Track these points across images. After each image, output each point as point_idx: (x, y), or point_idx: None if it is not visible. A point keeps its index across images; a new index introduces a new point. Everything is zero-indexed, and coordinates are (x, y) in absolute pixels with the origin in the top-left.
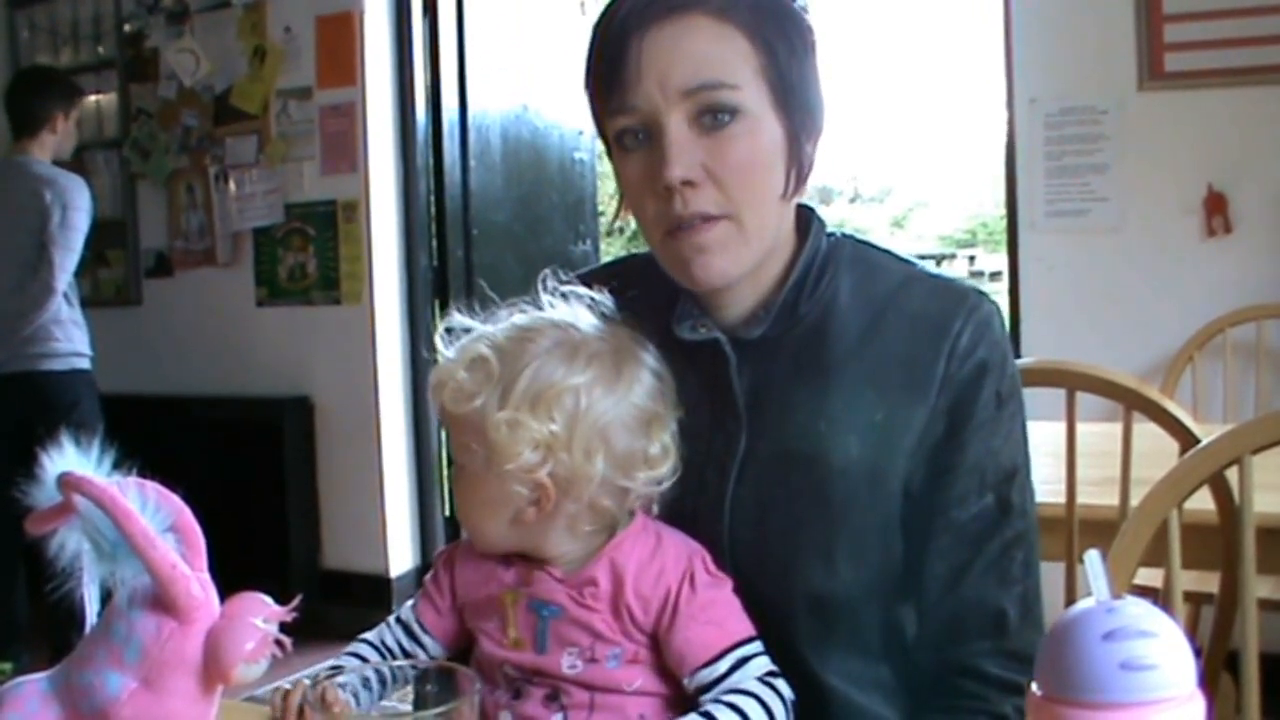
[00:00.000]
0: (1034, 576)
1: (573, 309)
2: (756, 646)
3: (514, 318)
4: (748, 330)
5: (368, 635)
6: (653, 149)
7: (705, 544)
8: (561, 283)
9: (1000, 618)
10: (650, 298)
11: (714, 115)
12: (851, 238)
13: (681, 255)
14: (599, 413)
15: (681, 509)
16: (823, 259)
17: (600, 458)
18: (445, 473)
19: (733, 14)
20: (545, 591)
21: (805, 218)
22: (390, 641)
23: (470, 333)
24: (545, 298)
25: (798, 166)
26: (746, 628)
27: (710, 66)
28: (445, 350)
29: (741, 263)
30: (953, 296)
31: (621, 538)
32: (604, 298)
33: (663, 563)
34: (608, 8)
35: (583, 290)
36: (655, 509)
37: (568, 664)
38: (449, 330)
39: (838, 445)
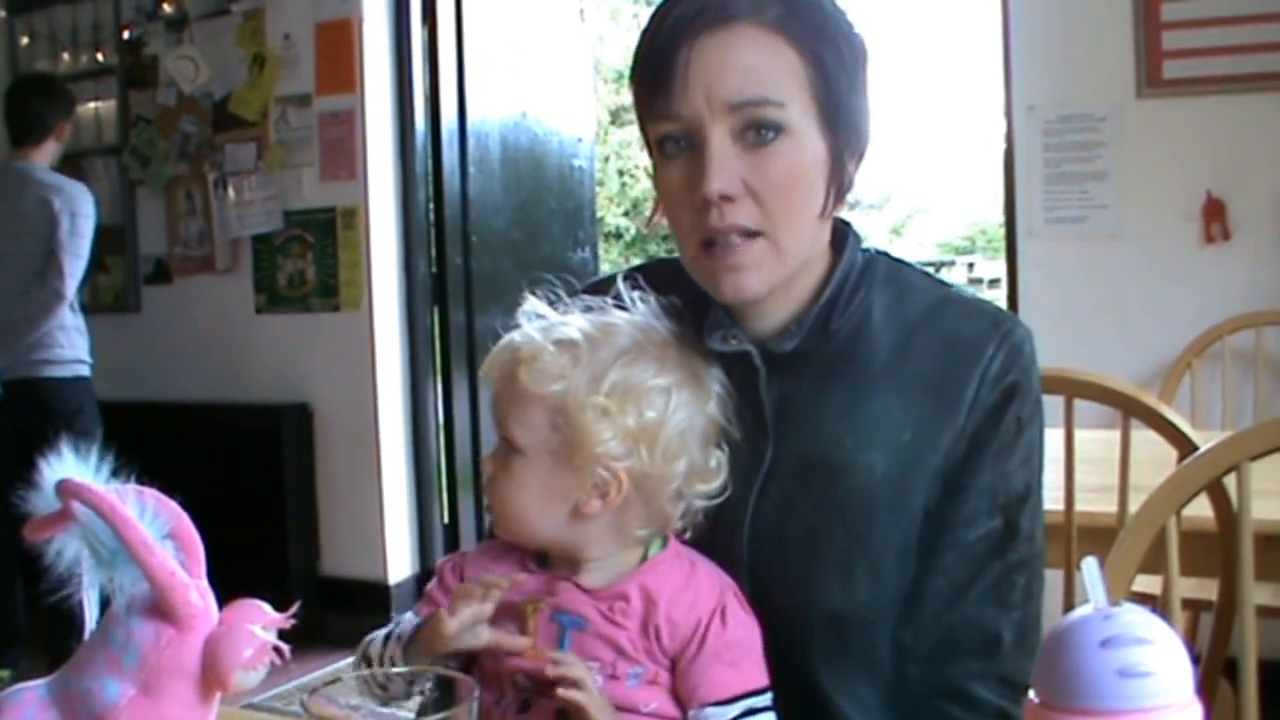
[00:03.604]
0: (1035, 604)
1: (652, 312)
2: (767, 700)
3: (593, 313)
4: (779, 343)
5: (372, 648)
6: (694, 158)
7: (724, 554)
8: (634, 286)
9: (994, 640)
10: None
11: (758, 131)
12: (886, 255)
13: (714, 272)
14: (683, 417)
15: (702, 519)
16: (857, 275)
17: (682, 462)
18: (444, 479)
19: (785, 27)
20: (571, 603)
21: (841, 231)
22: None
23: (544, 319)
24: (627, 296)
25: (838, 185)
26: (763, 677)
27: (758, 81)
28: (528, 327)
29: (772, 281)
30: (986, 320)
31: (656, 560)
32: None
33: (696, 591)
34: (659, 9)
35: (656, 297)
36: (689, 533)
37: None
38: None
39: (862, 462)
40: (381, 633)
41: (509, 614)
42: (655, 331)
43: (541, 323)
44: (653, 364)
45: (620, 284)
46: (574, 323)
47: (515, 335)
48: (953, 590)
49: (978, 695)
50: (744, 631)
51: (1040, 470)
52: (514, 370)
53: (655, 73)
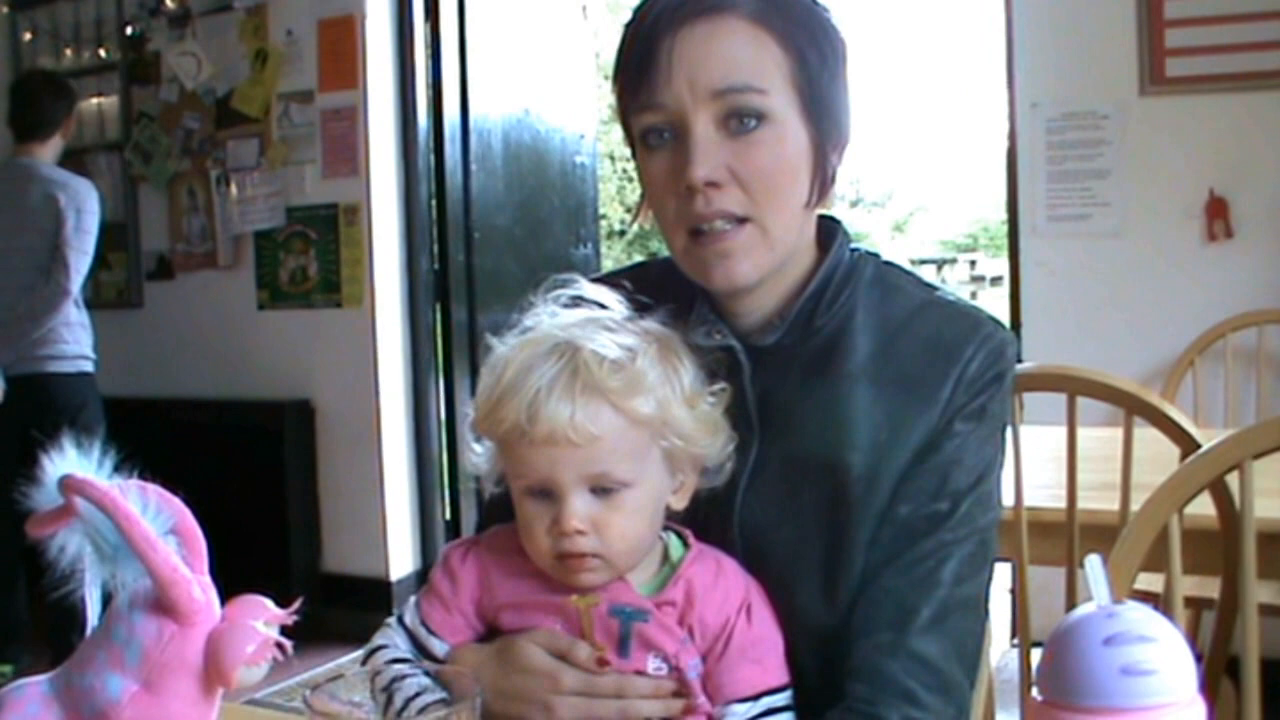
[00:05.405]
0: (965, 590)
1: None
2: (787, 697)
3: (621, 324)
4: (761, 337)
5: (385, 651)
6: (678, 148)
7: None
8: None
9: (909, 613)
10: (665, 304)
11: (741, 119)
12: (876, 256)
13: (704, 260)
14: (705, 399)
15: (692, 517)
16: (844, 273)
17: (723, 434)
18: (446, 476)
19: (766, 19)
20: (627, 596)
21: (830, 230)
22: (404, 647)
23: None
24: (601, 295)
25: (822, 176)
26: (784, 674)
27: (741, 69)
28: (584, 353)
29: (762, 267)
30: (969, 323)
31: (690, 559)
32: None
33: (725, 590)
34: (641, 4)
35: (610, 289)
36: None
37: (653, 668)
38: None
39: (843, 462)
40: (390, 668)
41: (554, 612)
42: (659, 330)
43: (580, 336)
44: (682, 352)
45: (585, 285)
46: (626, 349)
47: (595, 372)
48: (883, 561)
49: (885, 670)
50: (767, 628)
51: (994, 466)
52: (599, 412)
53: (639, 64)
